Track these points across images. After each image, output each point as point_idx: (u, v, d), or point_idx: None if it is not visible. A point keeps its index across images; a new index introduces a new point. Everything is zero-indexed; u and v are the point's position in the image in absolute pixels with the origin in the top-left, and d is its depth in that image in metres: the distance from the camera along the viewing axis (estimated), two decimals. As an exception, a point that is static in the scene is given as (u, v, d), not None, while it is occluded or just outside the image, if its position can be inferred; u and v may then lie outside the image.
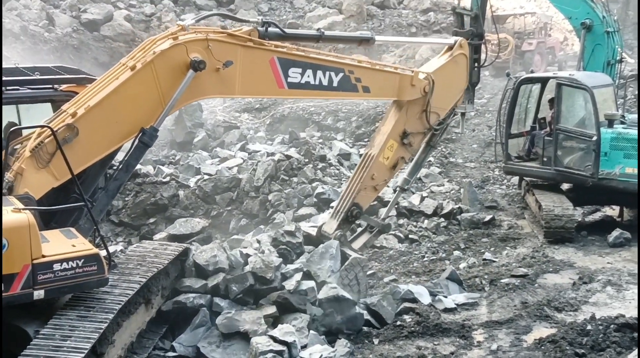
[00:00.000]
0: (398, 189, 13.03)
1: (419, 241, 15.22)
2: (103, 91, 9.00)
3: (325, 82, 10.45)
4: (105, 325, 7.98)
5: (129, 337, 9.01)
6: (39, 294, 7.74)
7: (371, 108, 25.12)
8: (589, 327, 9.82)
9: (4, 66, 12.28)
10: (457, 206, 16.56)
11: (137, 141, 9.13)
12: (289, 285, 10.27)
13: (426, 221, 16.07)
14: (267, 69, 9.95)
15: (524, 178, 17.20)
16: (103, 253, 8.47)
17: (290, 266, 10.90)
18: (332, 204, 15.74)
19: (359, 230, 12.74)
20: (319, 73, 10.38)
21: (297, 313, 10.18)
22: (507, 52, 33.93)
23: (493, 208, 17.12)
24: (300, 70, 10.20)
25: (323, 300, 10.18)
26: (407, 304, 11.11)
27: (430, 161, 19.97)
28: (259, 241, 11.89)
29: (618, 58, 17.39)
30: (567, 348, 9.39)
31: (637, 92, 23.98)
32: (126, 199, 16.65)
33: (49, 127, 8.43)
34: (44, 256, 7.74)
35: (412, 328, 10.39)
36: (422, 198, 16.91)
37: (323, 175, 18.50)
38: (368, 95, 11.22)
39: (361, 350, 9.98)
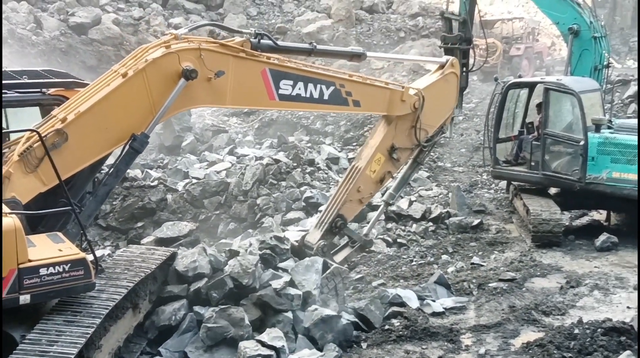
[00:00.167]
0: (383, 203, 13.05)
1: (407, 245, 15.23)
2: (94, 97, 8.98)
3: (316, 95, 10.51)
4: (92, 329, 7.94)
5: (116, 342, 8.96)
6: (25, 299, 7.69)
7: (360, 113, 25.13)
8: (576, 331, 9.84)
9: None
10: (446, 210, 16.59)
11: (127, 146, 9.12)
12: (276, 284, 10.21)
13: (414, 225, 16.09)
14: (258, 80, 9.99)
15: (512, 182, 17.24)
16: (90, 257, 8.43)
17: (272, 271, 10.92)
18: (320, 209, 15.76)
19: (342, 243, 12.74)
20: (310, 86, 10.44)
21: (280, 315, 10.12)
22: (495, 57, 34.07)
23: (481, 212, 17.16)
24: (291, 82, 10.26)
25: (311, 327, 10.06)
26: (395, 308, 11.08)
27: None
28: (251, 245, 11.86)
29: (605, 63, 17.49)
30: (555, 352, 9.41)
31: (624, 97, 24.13)
32: (114, 203, 16.60)
33: (37, 132, 8.39)
34: (30, 261, 7.69)
35: (400, 333, 10.38)
36: (411, 202, 16.92)
37: (311, 179, 18.51)
38: (358, 109, 11.33)
39: (349, 355, 9.96)
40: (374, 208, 14.92)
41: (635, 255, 13.61)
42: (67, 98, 9.88)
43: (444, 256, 14.40)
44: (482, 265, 13.69)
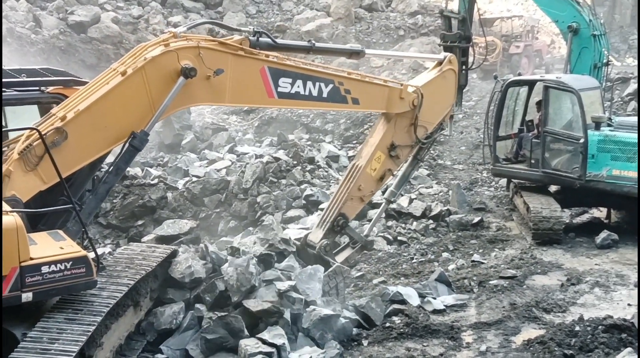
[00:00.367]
0: (384, 201, 13.06)
1: (407, 243, 15.23)
2: (93, 96, 8.96)
3: (315, 92, 10.51)
4: (94, 327, 7.93)
5: (118, 340, 8.97)
6: (27, 297, 7.68)
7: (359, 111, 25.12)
8: (577, 328, 9.85)
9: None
10: (446, 208, 16.60)
11: (127, 144, 9.11)
12: (281, 285, 10.18)
13: (415, 223, 16.10)
14: (257, 79, 9.98)
15: (512, 180, 17.25)
16: (91, 255, 8.42)
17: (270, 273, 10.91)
18: (321, 206, 15.77)
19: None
20: (309, 84, 10.43)
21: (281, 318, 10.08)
22: (495, 55, 34.05)
23: (481, 209, 17.17)
24: (290, 80, 10.25)
25: (310, 327, 10.04)
26: (396, 306, 11.10)
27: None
28: (255, 243, 11.85)
29: (605, 61, 17.49)
30: (556, 349, 9.42)
31: (624, 95, 24.14)
32: (114, 201, 16.61)
33: (37, 130, 8.38)
34: (32, 259, 7.68)
35: (401, 330, 10.39)
36: (411, 200, 16.93)
37: (312, 177, 18.52)
38: (357, 106, 11.33)
39: (350, 352, 9.98)
40: (375, 205, 14.92)
41: (635, 252, 13.62)
42: (66, 96, 9.85)
43: (445, 254, 14.41)
44: (482, 263, 13.70)
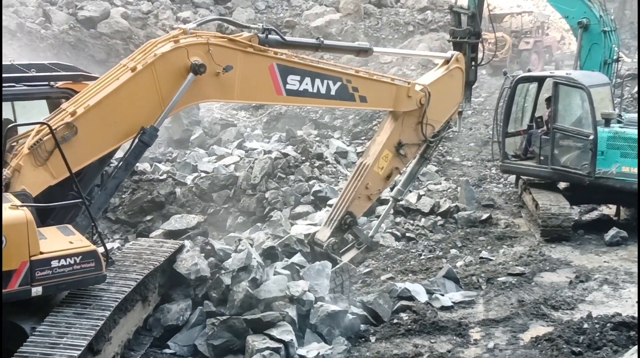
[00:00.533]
0: (391, 200, 13.07)
1: (415, 239, 15.23)
2: (103, 91, 9.02)
3: (323, 90, 10.54)
4: (102, 322, 7.98)
5: (126, 334, 9.01)
6: (37, 291, 7.73)
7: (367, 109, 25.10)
8: (585, 326, 9.83)
9: (-1, 63, 12.26)
10: (454, 204, 16.58)
11: (137, 140, 9.14)
12: (295, 290, 10.16)
13: (423, 219, 16.08)
14: (266, 76, 10.01)
15: (521, 176, 17.21)
16: (100, 250, 8.46)
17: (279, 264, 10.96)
18: (329, 202, 15.77)
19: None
20: (317, 81, 10.47)
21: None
22: (504, 51, 33.98)
23: (490, 206, 17.14)
24: (298, 77, 10.28)
25: (317, 323, 10.05)
26: (404, 302, 11.10)
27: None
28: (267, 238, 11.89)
29: (615, 57, 17.41)
30: (564, 346, 9.41)
31: (634, 91, 24.03)
32: (123, 196, 16.64)
33: (48, 125, 8.42)
34: (41, 253, 7.73)
35: (409, 326, 10.40)
36: (419, 197, 16.90)
37: (320, 173, 18.52)
38: (365, 104, 11.41)
39: (358, 348, 9.98)
40: (383, 201, 14.90)
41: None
42: (75, 92, 9.89)
43: (453, 251, 14.39)
44: (491, 259, 13.68)
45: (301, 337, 9.87)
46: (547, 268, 13.07)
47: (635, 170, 14.35)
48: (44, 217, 8.78)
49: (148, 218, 16.45)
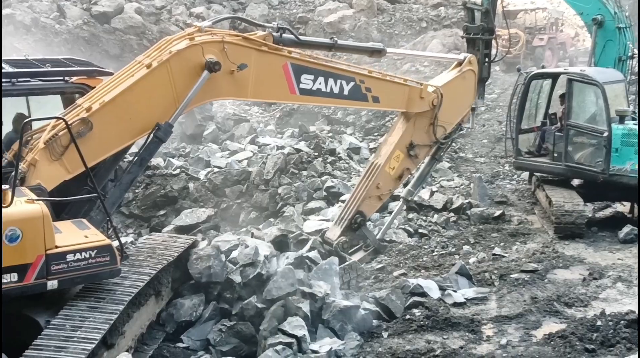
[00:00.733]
0: (401, 200, 13.10)
1: (428, 235, 15.23)
2: (118, 88, 9.09)
3: (336, 90, 10.58)
4: (116, 316, 8.04)
5: (139, 328, 9.06)
6: (52, 284, 7.80)
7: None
8: (598, 323, 9.82)
9: (14, 57, 12.35)
10: (467, 201, 16.55)
11: (152, 136, 9.20)
12: (318, 291, 10.18)
13: (436, 215, 16.07)
14: (280, 74, 10.06)
15: (534, 173, 17.17)
16: (115, 244, 8.51)
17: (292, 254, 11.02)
18: (342, 198, 15.79)
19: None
20: (331, 81, 10.50)
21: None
22: (518, 48, 33.76)
23: (503, 203, 17.11)
24: (312, 77, 10.32)
25: (330, 318, 10.08)
26: (416, 298, 11.11)
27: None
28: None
29: (629, 54, 17.36)
30: (577, 343, 9.40)
31: (636, 91, 23.88)
32: (136, 191, 16.69)
33: (64, 120, 8.47)
34: (57, 247, 7.79)
35: (422, 322, 10.41)
36: (432, 193, 16.89)
37: (332, 169, 18.52)
38: (377, 105, 11.45)
39: (370, 344, 10.00)
40: (396, 197, 14.90)
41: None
42: (90, 87, 9.97)
43: (465, 247, 14.38)
44: (503, 256, 13.66)
45: (314, 332, 9.91)
46: (561, 265, 13.04)
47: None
48: (58, 211, 8.84)
49: (161, 212, 16.49)
